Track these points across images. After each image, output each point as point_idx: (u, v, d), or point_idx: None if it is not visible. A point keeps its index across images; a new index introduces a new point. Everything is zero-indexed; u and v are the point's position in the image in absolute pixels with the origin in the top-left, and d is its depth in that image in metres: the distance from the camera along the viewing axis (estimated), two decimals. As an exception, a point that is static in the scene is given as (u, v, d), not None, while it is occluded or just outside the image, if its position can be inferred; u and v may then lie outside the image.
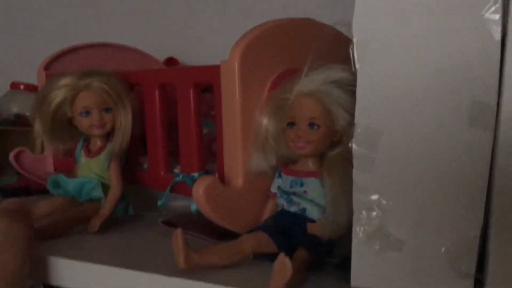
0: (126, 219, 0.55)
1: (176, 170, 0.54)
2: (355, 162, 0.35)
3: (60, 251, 0.42)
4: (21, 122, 0.80)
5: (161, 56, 0.81)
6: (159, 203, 0.51)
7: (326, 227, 0.41)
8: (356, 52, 0.34)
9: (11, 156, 0.63)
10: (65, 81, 0.52)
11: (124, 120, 0.53)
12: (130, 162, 0.57)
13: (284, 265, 0.34)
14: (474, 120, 0.32)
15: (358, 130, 0.35)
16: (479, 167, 0.32)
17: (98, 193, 0.52)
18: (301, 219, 0.42)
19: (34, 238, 0.41)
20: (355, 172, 0.35)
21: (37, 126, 0.55)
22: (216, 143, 0.57)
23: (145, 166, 0.58)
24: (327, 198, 0.41)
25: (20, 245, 0.38)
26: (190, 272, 0.38)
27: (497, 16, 0.31)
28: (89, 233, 0.50)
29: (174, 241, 0.38)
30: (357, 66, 0.34)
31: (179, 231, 0.38)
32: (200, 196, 0.42)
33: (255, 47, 0.43)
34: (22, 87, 0.87)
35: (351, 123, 0.40)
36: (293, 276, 0.34)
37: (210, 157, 0.56)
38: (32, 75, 0.67)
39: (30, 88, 0.85)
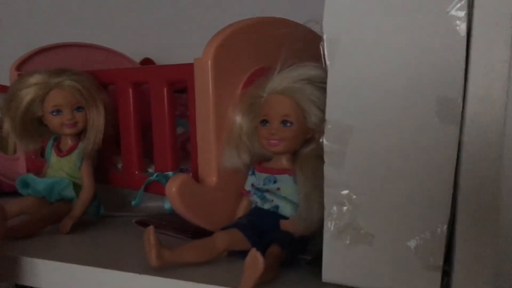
0: (98, 220, 0.55)
1: (151, 170, 0.54)
2: (326, 157, 0.35)
3: (32, 251, 0.42)
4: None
5: (137, 57, 0.81)
6: (133, 203, 0.51)
7: (299, 224, 0.41)
8: (326, 49, 0.35)
9: (-19, 157, 0.61)
10: (36, 79, 0.52)
11: (96, 119, 0.53)
12: (102, 162, 0.57)
13: (255, 259, 0.34)
14: (441, 115, 0.33)
15: (328, 126, 0.35)
16: (446, 161, 0.33)
17: (69, 193, 0.52)
18: (274, 216, 0.43)
19: (4, 237, 0.40)
20: (326, 167, 0.36)
21: (7, 125, 0.54)
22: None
23: (119, 166, 0.57)
24: (300, 195, 0.41)
25: None
26: (163, 270, 0.37)
27: (462, 13, 0.31)
28: (60, 233, 0.49)
29: (145, 238, 0.38)
30: (327, 62, 0.35)
31: (151, 228, 0.38)
32: (174, 193, 0.42)
33: (229, 44, 0.44)
34: (-7, 88, 0.85)
35: (323, 120, 0.41)
36: (265, 272, 0.34)
37: (186, 156, 0.56)
38: (3, 76, 0.66)
39: (1, 89, 0.83)
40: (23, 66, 0.62)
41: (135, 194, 0.66)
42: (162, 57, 0.85)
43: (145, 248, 0.38)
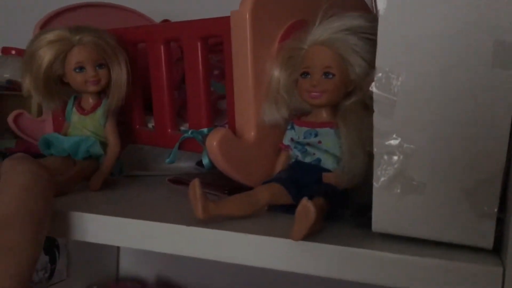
0: (121, 178, 0.55)
1: (183, 128, 0.53)
2: (375, 106, 0.35)
3: (74, 207, 0.41)
4: (13, 87, 0.78)
5: (157, 20, 0.79)
6: (167, 160, 0.51)
7: (342, 176, 0.40)
8: (378, -6, 0.34)
9: (9, 119, 0.61)
10: (57, 36, 0.50)
11: (119, 76, 0.52)
12: (132, 121, 0.56)
13: (307, 209, 0.34)
14: (497, 60, 0.32)
15: (379, 74, 0.34)
16: (502, 108, 0.32)
17: (98, 150, 0.51)
18: (316, 169, 0.42)
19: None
20: (375, 116, 0.35)
21: (28, 85, 0.52)
22: (221, 102, 0.57)
23: (150, 125, 0.57)
24: (343, 147, 0.41)
25: (49, 190, 0.38)
26: (208, 222, 0.37)
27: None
28: (91, 190, 0.49)
29: (191, 191, 0.38)
30: (379, 9, 0.34)
31: (196, 181, 0.38)
32: (215, 147, 0.41)
33: (267, -4, 0.43)
34: (13, 52, 0.84)
35: (367, 71, 0.40)
36: (315, 222, 0.34)
37: (216, 116, 0.55)
38: (23, 40, 0.65)
39: (22, 53, 0.82)
40: (47, 25, 0.61)
41: (155, 153, 0.67)
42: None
43: (190, 201, 0.37)
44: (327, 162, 0.42)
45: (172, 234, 0.37)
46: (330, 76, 0.41)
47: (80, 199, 0.45)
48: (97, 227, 0.39)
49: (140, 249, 0.99)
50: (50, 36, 0.50)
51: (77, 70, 0.51)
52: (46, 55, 0.50)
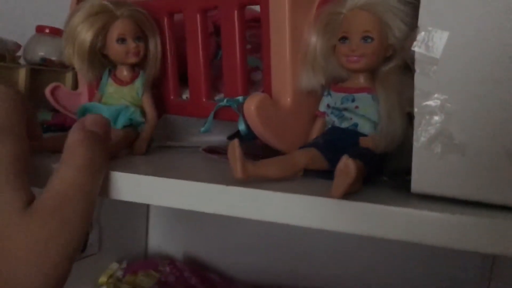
0: (156, 149, 0.56)
1: (217, 98, 0.54)
2: (417, 66, 0.35)
3: (117, 168, 0.42)
4: (48, 65, 0.80)
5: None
6: (202, 129, 0.51)
7: (380, 140, 0.41)
8: (423, -50, 0.33)
9: (47, 91, 0.62)
10: (100, 8, 0.52)
11: (156, 48, 0.54)
12: (166, 92, 0.57)
13: (347, 166, 0.34)
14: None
15: (421, 33, 0.34)
16: (548, 66, 0.32)
17: (139, 118, 0.52)
18: (353, 134, 0.42)
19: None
20: (417, 76, 0.35)
21: (71, 55, 0.53)
22: (254, 73, 0.58)
23: (185, 96, 0.57)
24: (381, 111, 0.41)
25: (104, 168, 0.40)
26: (247, 182, 0.38)
27: None
28: (136, 155, 0.50)
29: (230, 151, 0.38)
30: (422, -34, 0.34)
31: (236, 141, 0.38)
32: (252, 111, 0.42)
33: (306, -40, 0.43)
34: (47, 30, 0.86)
35: (407, 34, 0.40)
36: (355, 180, 0.34)
37: (250, 87, 0.55)
38: (57, 19, 0.66)
39: (56, 32, 0.84)
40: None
41: (188, 125, 0.67)
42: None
43: (230, 160, 0.38)
44: (365, 127, 0.42)
45: (212, 193, 0.37)
46: (369, 40, 0.41)
47: (123, 163, 0.46)
48: (138, 186, 0.40)
49: (169, 226, 1.01)
50: (93, 8, 0.52)
51: (119, 42, 0.52)
52: (91, 27, 0.51)
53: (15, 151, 0.36)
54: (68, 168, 0.38)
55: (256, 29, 0.57)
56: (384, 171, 0.44)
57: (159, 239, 1.01)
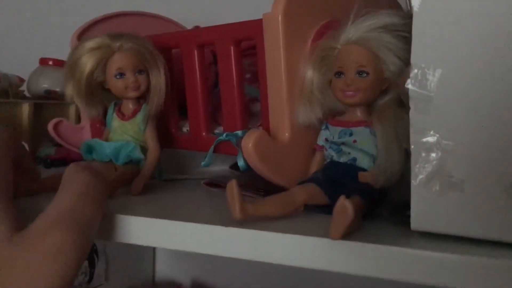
0: (161, 183, 0.56)
1: (217, 131, 0.54)
2: (411, 103, 0.35)
3: (115, 210, 0.42)
4: (52, 97, 0.81)
5: (187, 26, 0.81)
6: (203, 163, 0.51)
7: (379, 175, 0.40)
8: (412, -11, 0.33)
9: (50, 126, 0.63)
10: (97, 43, 0.51)
11: (158, 81, 0.53)
12: (167, 126, 0.57)
13: (345, 207, 0.34)
14: (537, 53, 0.31)
15: (414, 71, 0.34)
16: (543, 101, 0.31)
17: (138, 154, 0.52)
18: (352, 168, 0.42)
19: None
20: (412, 113, 0.35)
21: (71, 92, 0.53)
22: (254, 104, 0.58)
23: (185, 129, 0.58)
24: (379, 145, 0.41)
25: (101, 198, 0.40)
26: (246, 222, 0.38)
27: None
28: (132, 195, 0.50)
29: (229, 192, 0.38)
30: (414, 5, 0.34)
31: (234, 182, 0.38)
32: (250, 149, 0.42)
33: (299, -3, 0.43)
34: (51, 62, 0.87)
35: (402, 69, 0.40)
36: (353, 220, 0.34)
37: (251, 117, 0.56)
38: (60, 51, 0.67)
39: (59, 63, 0.85)
40: (84, 34, 0.63)
41: (191, 157, 0.67)
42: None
43: (228, 201, 0.38)
44: (363, 161, 0.42)
45: (211, 235, 0.37)
46: (364, 74, 0.41)
47: (120, 203, 0.46)
48: (137, 229, 0.40)
49: (176, 253, 1.00)
50: (91, 43, 0.51)
51: (117, 77, 0.52)
52: (88, 62, 0.51)
53: None
54: (63, 193, 0.37)
55: (255, 57, 0.57)
56: (385, 204, 0.43)
57: (167, 267, 1.01)
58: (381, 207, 0.43)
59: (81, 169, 0.39)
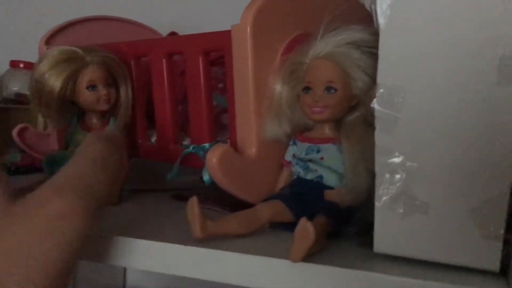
0: (125, 195, 0.55)
1: (185, 142, 0.53)
2: (377, 123, 0.34)
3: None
4: (22, 100, 0.79)
5: (163, 32, 0.79)
6: (169, 176, 0.50)
7: (345, 194, 0.39)
8: (379, 7, 0.33)
9: (14, 133, 0.61)
10: (68, 54, 0.50)
11: (126, 95, 0.53)
12: (134, 136, 0.56)
13: (306, 230, 0.33)
14: (503, 76, 0.31)
15: (380, 90, 0.33)
16: (508, 125, 0.31)
17: None
18: (318, 186, 0.41)
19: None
20: (377, 133, 0.34)
21: (38, 106, 0.51)
22: (225, 116, 0.56)
23: (153, 139, 0.56)
24: (346, 164, 0.40)
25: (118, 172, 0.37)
26: (206, 241, 0.37)
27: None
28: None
29: (189, 210, 0.37)
30: (380, 23, 0.33)
31: (194, 199, 0.37)
32: (215, 164, 0.40)
33: (268, 9, 0.42)
34: (21, 65, 0.85)
35: (370, 86, 0.39)
36: (315, 242, 0.33)
37: (220, 129, 0.54)
38: (30, 54, 0.65)
39: (30, 66, 0.83)
40: (52, 40, 0.61)
41: (160, 168, 0.66)
42: (188, 31, 0.84)
43: (188, 219, 0.37)
44: (330, 179, 0.41)
45: (170, 253, 0.36)
46: (332, 91, 0.40)
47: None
48: (96, 246, 0.38)
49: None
50: (62, 55, 0.50)
51: (89, 89, 0.51)
52: (60, 75, 0.49)
53: None
54: (74, 160, 0.34)
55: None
56: (353, 223, 0.42)
57: (138, 275, 0.99)
58: (349, 225, 0.42)
59: (100, 137, 0.37)
